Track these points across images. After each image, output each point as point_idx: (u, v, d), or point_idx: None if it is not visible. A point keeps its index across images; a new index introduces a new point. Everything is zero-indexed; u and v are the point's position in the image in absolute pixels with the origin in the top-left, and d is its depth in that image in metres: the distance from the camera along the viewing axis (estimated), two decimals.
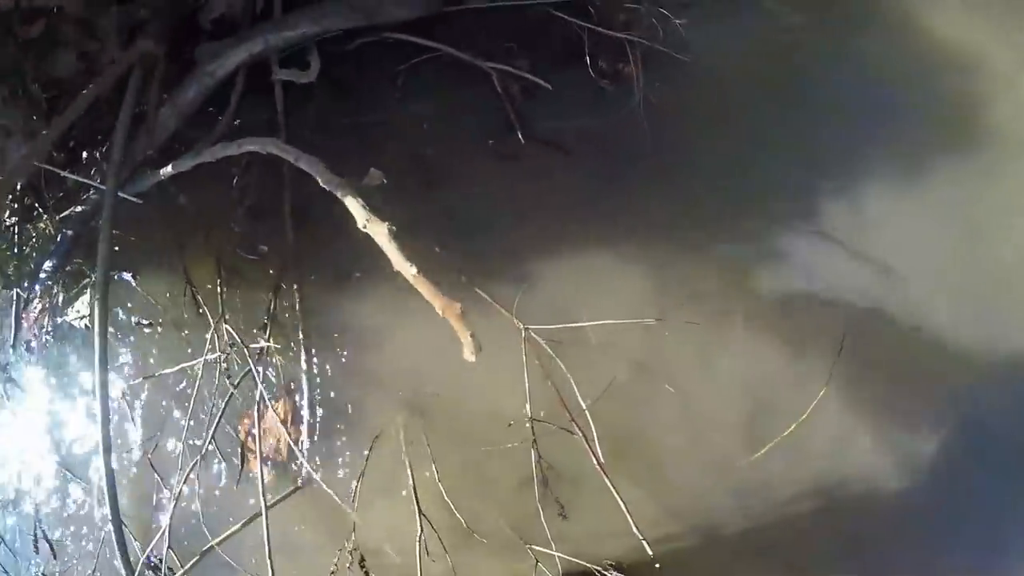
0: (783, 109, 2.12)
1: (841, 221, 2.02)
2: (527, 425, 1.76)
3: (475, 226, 1.97)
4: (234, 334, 2.02)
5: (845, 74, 2.19)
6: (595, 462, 1.66)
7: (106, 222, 1.91)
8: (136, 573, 1.83)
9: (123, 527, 1.84)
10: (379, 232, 1.57)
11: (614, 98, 2.02)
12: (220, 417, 1.96)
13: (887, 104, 2.17)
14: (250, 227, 2.13)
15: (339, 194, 1.69)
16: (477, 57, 2.01)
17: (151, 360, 2.13)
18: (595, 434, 1.70)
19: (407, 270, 1.50)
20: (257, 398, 1.94)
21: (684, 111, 2.04)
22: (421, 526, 1.72)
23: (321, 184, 1.78)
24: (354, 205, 1.63)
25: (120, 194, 1.99)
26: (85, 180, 2.12)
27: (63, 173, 2.11)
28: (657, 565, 1.60)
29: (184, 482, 1.94)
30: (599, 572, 1.72)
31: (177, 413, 2.08)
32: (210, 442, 1.96)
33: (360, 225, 1.61)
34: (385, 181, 2.06)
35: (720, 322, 1.89)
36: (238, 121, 2.15)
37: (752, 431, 1.83)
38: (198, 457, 1.95)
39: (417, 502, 1.74)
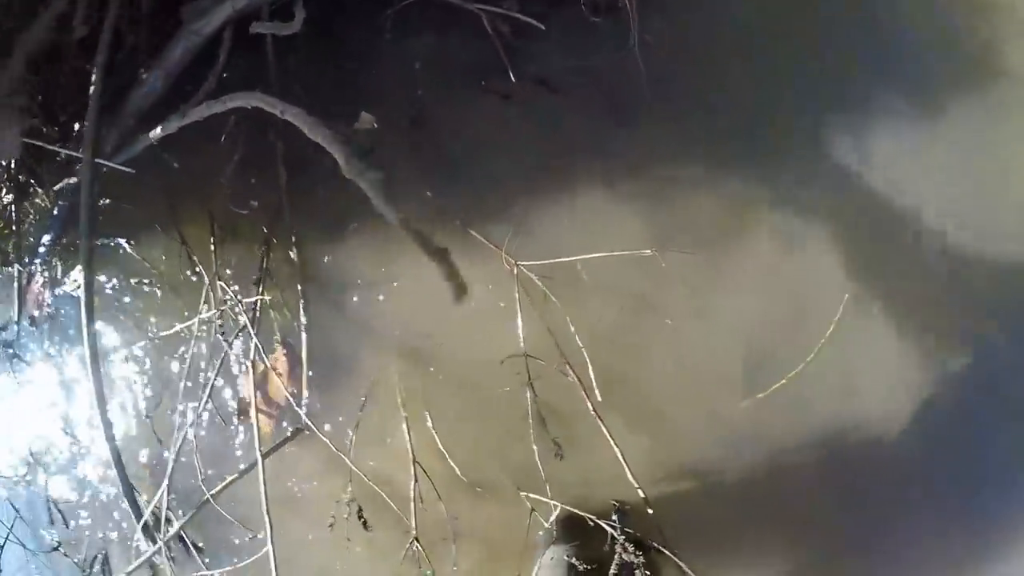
0: (789, 44, 2.02)
1: (850, 158, 1.94)
2: (523, 364, 1.72)
3: (467, 168, 1.91)
4: (228, 290, 2.01)
5: (858, 9, 2.10)
6: (590, 406, 1.63)
7: (85, 191, 1.90)
8: (142, 522, 1.84)
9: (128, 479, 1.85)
10: (363, 180, 1.54)
11: (609, 34, 1.93)
12: (217, 374, 1.95)
13: (900, 43, 2.08)
14: (241, 182, 2.09)
15: (325, 144, 1.66)
16: None
17: (152, 322, 2.13)
18: (591, 375, 1.66)
19: (393, 217, 1.47)
20: (252, 352, 1.93)
21: (682, 46, 1.95)
22: (415, 475, 1.70)
23: (307, 134, 1.75)
24: (342, 155, 1.59)
25: (104, 163, 1.97)
26: (70, 152, 2.09)
27: (47, 146, 2.08)
28: (650, 511, 1.56)
29: (182, 441, 1.94)
30: (594, 521, 1.68)
31: (177, 372, 2.07)
32: (207, 401, 1.95)
33: (345, 173, 1.58)
34: (376, 125, 2.01)
35: (719, 260, 1.83)
36: (226, 75, 2.10)
37: (752, 375, 1.77)
38: (194, 415, 1.96)
39: (412, 450, 1.71)
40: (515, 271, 1.73)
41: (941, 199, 1.94)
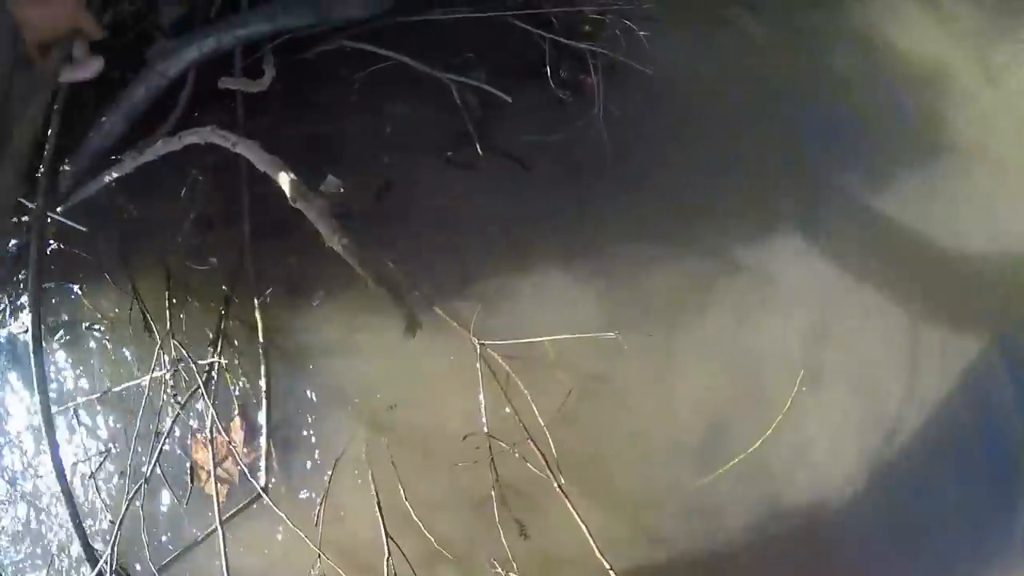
0: (746, 125, 2.12)
1: (802, 237, 2.02)
2: (485, 443, 1.72)
3: (431, 240, 1.92)
4: (182, 350, 1.95)
5: (809, 91, 2.22)
6: (555, 485, 1.63)
7: (35, 243, 1.81)
8: None
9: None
10: (309, 207, 1.53)
11: (575, 110, 1.99)
12: (165, 438, 1.88)
13: (851, 121, 2.20)
14: (200, 238, 2.05)
15: (272, 173, 1.63)
16: (435, 68, 1.96)
17: (105, 377, 2.05)
18: (554, 452, 1.67)
19: (336, 242, 1.46)
20: (209, 420, 1.87)
21: (646, 125, 2.02)
22: (388, 548, 1.66)
23: (258, 166, 1.72)
24: (285, 180, 1.58)
25: (56, 216, 1.94)
26: (21, 199, 2.02)
27: None
28: None
29: (127, 507, 1.85)
30: None
31: (125, 433, 1.99)
32: (155, 464, 1.88)
33: (290, 200, 1.56)
34: (343, 190, 2.00)
35: (678, 337, 1.87)
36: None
37: (710, 448, 1.81)
38: (142, 480, 1.88)
39: (384, 523, 1.68)
40: (478, 350, 1.73)
41: (889, 272, 2.03)
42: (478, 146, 1.94)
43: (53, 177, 1.97)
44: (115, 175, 1.97)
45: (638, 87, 2.02)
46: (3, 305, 2.19)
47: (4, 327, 2.19)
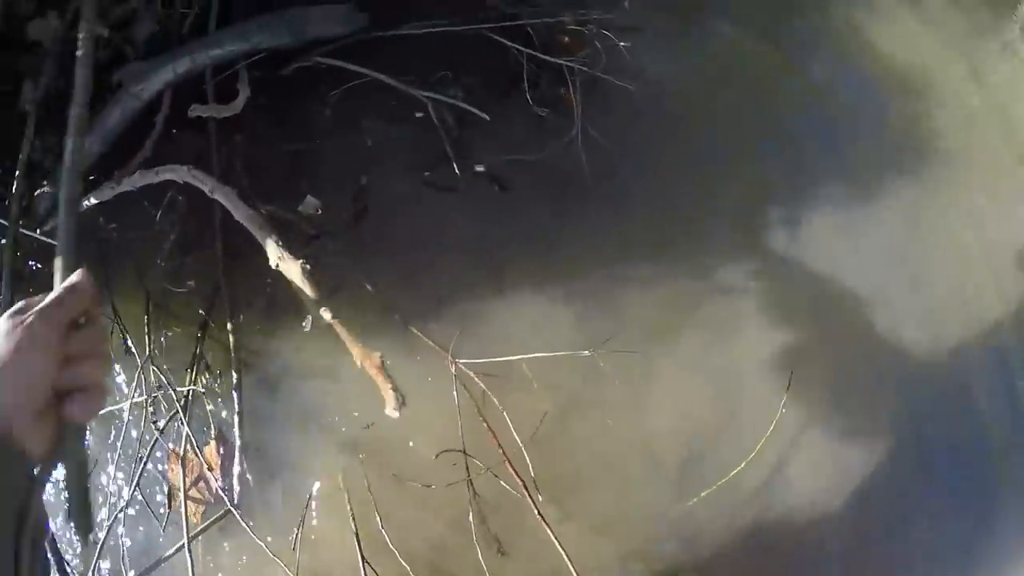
0: (729, 137, 2.08)
1: (786, 249, 2.00)
2: (462, 460, 1.71)
3: (409, 262, 1.90)
4: (162, 376, 1.93)
5: (794, 99, 2.17)
6: (532, 504, 1.61)
7: (7, 254, 1.84)
8: None
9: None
10: (293, 270, 1.50)
11: (554, 126, 1.95)
12: (144, 464, 1.87)
13: (835, 128, 2.16)
14: (179, 260, 2.03)
15: (253, 229, 1.61)
16: (411, 85, 1.93)
17: None
18: (531, 472, 1.65)
19: (323, 315, 1.43)
20: (183, 443, 1.86)
21: (625, 140, 1.99)
22: (364, 572, 1.65)
23: (235, 216, 1.71)
24: (269, 244, 1.55)
25: (28, 232, 1.94)
26: None
27: None
28: None
29: (107, 532, 1.84)
30: None
31: (106, 456, 1.97)
32: (134, 490, 1.87)
33: (272, 263, 1.54)
34: (320, 211, 1.99)
35: (657, 357, 1.85)
36: (169, 144, 2.05)
37: (689, 470, 1.80)
38: (123, 504, 1.87)
39: (361, 549, 1.66)
40: (455, 370, 1.71)
41: (876, 283, 2.01)
42: (455, 166, 1.91)
43: (25, 201, 1.97)
44: (93, 201, 1.96)
45: (619, 100, 1.98)
46: None
47: None
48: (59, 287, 0.77)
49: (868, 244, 2.04)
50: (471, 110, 1.90)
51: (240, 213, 1.61)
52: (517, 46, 1.95)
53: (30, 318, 0.71)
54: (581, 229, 1.93)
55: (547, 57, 1.94)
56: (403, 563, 1.71)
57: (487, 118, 1.90)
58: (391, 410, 1.39)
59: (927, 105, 2.20)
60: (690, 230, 1.97)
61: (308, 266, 1.46)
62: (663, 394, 1.85)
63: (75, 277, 0.78)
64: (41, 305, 0.73)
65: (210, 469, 1.86)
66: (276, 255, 1.52)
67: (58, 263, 0.89)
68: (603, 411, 1.81)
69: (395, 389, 1.37)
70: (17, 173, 1.96)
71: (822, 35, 2.24)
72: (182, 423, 1.86)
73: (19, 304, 0.74)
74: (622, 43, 2.01)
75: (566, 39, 2.05)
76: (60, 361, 0.70)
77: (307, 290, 1.49)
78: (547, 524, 1.61)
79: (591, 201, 1.94)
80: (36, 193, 2.06)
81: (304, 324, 1.93)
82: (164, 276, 2.03)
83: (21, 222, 1.95)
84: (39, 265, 2.09)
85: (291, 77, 2.06)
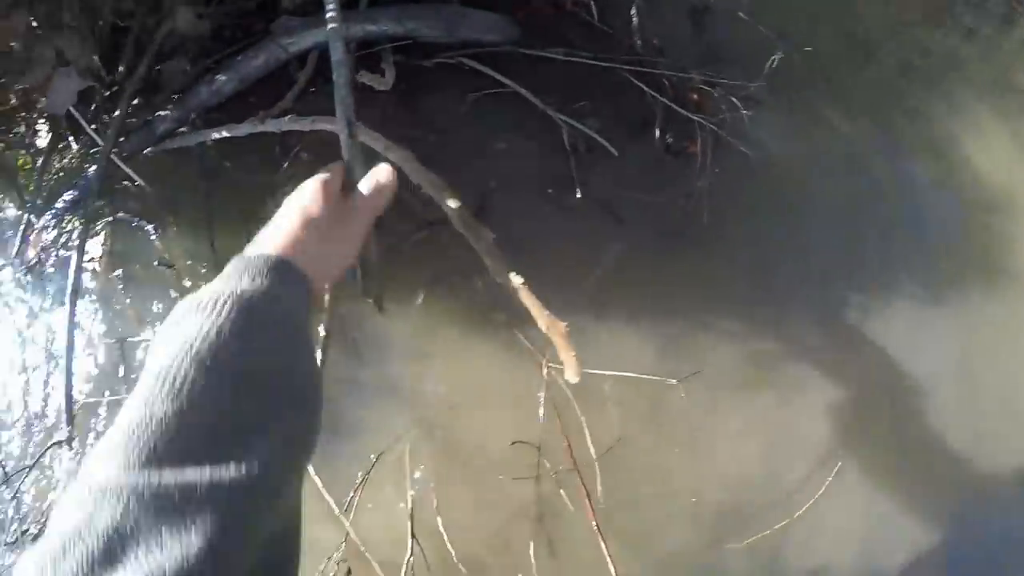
0: (827, 219, 2.22)
1: (860, 328, 2.12)
2: (534, 454, 1.82)
3: (520, 268, 1.98)
4: None
5: (890, 195, 2.31)
6: (590, 515, 1.72)
7: (97, 179, 1.94)
8: None
9: None
10: (477, 239, 1.44)
11: (673, 175, 2.09)
12: None
13: (925, 227, 2.29)
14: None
15: (432, 193, 1.60)
16: (550, 106, 2.06)
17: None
18: (599, 486, 1.75)
19: (513, 280, 1.42)
20: None
21: (734, 201, 2.13)
22: (412, 549, 1.74)
23: (411, 179, 1.72)
24: (449, 204, 1.49)
25: (116, 161, 2.02)
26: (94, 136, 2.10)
27: (82, 121, 2.09)
28: None
29: None
30: None
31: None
32: None
33: (457, 226, 1.45)
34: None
35: (725, 404, 1.97)
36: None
37: (728, 522, 1.89)
38: None
39: (412, 525, 1.75)
40: (545, 373, 1.82)
41: (937, 384, 2.09)
42: (578, 191, 2.04)
43: (123, 121, 2.04)
44: (226, 134, 2.01)
45: (734, 164, 2.12)
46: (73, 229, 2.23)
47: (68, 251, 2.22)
48: (374, 181, 0.88)
49: (933, 343, 2.14)
50: (602, 142, 2.03)
51: (417, 174, 1.60)
52: (652, 92, 2.09)
53: (354, 213, 0.86)
54: (680, 273, 2.06)
55: (680, 109, 2.08)
56: (449, 547, 1.80)
57: (615, 153, 2.03)
58: (571, 375, 1.44)
59: (1012, 227, 2.33)
60: (779, 297, 2.10)
61: (493, 235, 1.46)
62: (722, 440, 1.96)
63: (389, 177, 0.89)
64: (364, 200, 0.88)
65: None
66: (460, 220, 1.45)
67: (343, 137, 0.93)
68: (662, 443, 1.93)
69: (576, 357, 1.43)
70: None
71: (924, 138, 2.39)
72: None
73: (326, 174, 0.86)
74: (745, 111, 2.15)
75: (695, 96, 2.19)
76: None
77: (495, 260, 1.43)
78: (603, 538, 1.71)
79: (694, 249, 2.07)
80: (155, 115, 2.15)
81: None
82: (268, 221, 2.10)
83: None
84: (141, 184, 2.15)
85: (431, 69, 2.17)
